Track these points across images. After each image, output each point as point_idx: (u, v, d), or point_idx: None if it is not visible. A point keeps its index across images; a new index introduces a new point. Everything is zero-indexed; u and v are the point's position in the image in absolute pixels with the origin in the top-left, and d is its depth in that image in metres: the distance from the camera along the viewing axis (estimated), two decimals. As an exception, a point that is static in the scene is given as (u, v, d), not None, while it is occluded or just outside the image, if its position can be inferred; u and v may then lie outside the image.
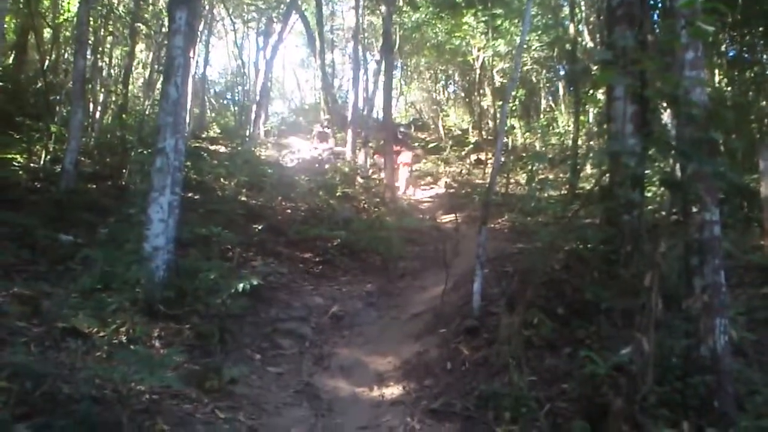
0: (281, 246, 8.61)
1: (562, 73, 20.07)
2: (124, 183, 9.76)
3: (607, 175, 5.61)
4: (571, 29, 14.29)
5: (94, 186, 9.51)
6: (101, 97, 13.12)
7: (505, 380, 4.52)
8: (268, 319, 6.29)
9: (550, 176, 15.57)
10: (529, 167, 15.57)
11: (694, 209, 4.29)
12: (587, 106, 15.79)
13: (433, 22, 18.67)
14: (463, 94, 23.70)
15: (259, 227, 8.51)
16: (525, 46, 17.75)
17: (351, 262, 8.49)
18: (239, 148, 14.82)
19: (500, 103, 19.12)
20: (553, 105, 19.50)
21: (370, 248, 8.80)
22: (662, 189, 5.04)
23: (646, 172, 5.26)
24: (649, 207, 5.73)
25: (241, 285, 5.87)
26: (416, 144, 17.96)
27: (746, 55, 10.65)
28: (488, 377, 4.67)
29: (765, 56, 10.88)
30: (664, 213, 4.90)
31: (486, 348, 5.04)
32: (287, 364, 5.44)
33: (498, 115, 18.71)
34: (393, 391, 4.98)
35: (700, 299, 4.15)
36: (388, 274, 8.25)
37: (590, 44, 15.81)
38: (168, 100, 6.29)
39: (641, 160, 5.35)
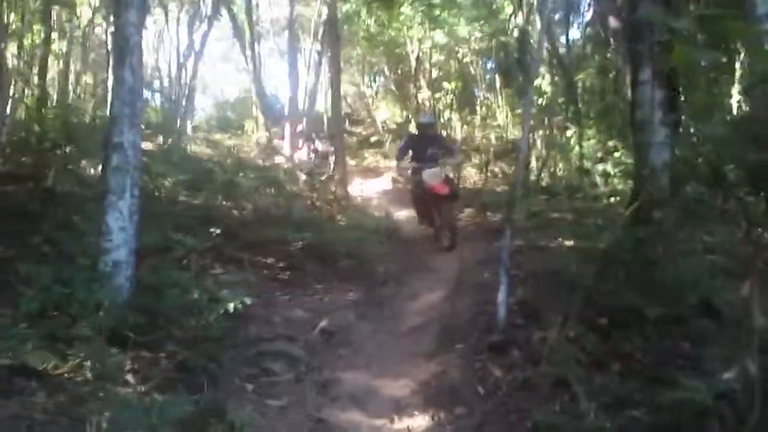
0: (239, 251, 7.71)
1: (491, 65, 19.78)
2: (49, 185, 8.57)
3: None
4: (520, 18, 13.91)
5: (13, 188, 8.30)
6: (12, 90, 11.68)
7: (557, 407, 3.92)
8: (249, 339, 5.41)
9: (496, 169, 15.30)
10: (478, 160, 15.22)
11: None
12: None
13: (365, 13, 17.87)
14: (393, 87, 23.08)
15: (217, 231, 7.55)
16: (465, 37, 17.40)
17: (320, 267, 7.65)
18: (170, 146, 13.69)
19: (438, 95, 18.77)
20: (490, 97, 19.12)
21: (339, 251, 8.00)
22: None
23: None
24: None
25: (232, 305, 4.99)
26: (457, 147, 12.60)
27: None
28: (535, 403, 4.04)
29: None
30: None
31: (521, 368, 4.41)
32: (287, 395, 4.60)
33: (436, 107, 18.28)
34: (420, 422, 4.24)
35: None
36: (367, 280, 7.48)
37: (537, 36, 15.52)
38: (123, 87, 5.31)
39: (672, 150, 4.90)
